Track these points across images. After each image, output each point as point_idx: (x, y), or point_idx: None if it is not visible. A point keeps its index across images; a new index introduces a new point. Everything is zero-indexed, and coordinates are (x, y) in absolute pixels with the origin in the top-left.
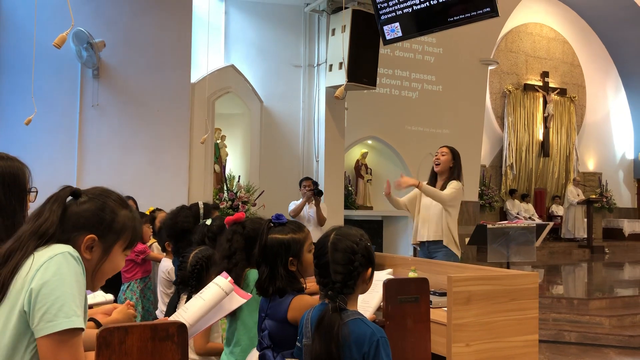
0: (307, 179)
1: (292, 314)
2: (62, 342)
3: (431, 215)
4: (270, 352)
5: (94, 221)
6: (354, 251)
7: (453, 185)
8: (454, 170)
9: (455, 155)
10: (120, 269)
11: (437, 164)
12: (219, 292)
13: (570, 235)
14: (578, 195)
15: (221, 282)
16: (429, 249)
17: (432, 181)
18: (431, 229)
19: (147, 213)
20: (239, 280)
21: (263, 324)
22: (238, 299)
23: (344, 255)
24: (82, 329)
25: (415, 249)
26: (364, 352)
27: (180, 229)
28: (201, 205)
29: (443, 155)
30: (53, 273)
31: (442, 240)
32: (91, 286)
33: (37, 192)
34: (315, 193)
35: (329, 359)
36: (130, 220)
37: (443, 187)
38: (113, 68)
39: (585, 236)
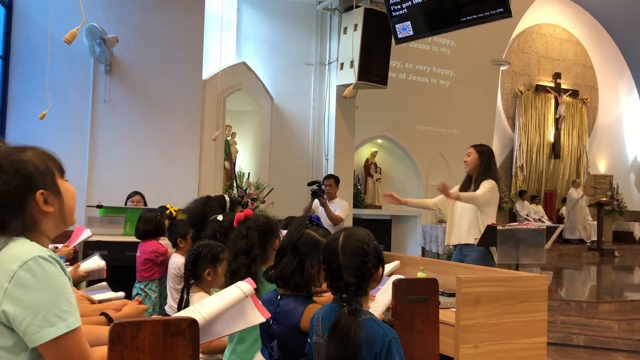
0: (327, 177)
1: (305, 324)
2: (60, 346)
3: (465, 217)
4: None
5: (25, 182)
6: (365, 252)
7: (485, 185)
8: (484, 169)
9: (482, 153)
10: (73, 192)
11: (465, 166)
12: (239, 293)
13: (573, 236)
14: (579, 195)
15: (242, 284)
16: (461, 252)
17: (467, 182)
18: (463, 231)
19: (174, 212)
20: (256, 279)
21: (270, 330)
22: (257, 315)
23: (356, 257)
24: (75, 330)
25: (423, 248)
26: (376, 352)
27: (209, 218)
28: (227, 199)
29: (468, 155)
30: (28, 284)
31: (474, 243)
32: (68, 224)
33: None
34: (312, 194)
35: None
36: (42, 153)
37: (476, 188)
38: (125, 64)
39: (584, 237)
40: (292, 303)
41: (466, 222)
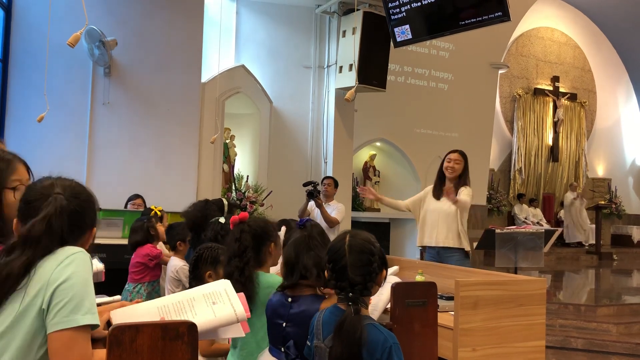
0: (326, 177)
1: None
2: (74, 338)
3: (441, 220)
4: None
5: (94, 216)
6: (372, 252)
7: (465, 192)
8: (464, 176)
9: (466, 160)
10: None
11: (451, 172)
12: (232, 316)
13: (572, 239)
14: (575, 199)
15: (238, 307)
16: (439, 254)
17: (440, 184)
18: (441, 234)
19: (158, 212)
20: (251, 281)
21: (284, 332)
22: (238, 330)
23: (363, 256)
24: (96, 326)
25: (421, 251)
26: (376, 358)
27: (208, 221)
28: (225, 202)
29: (458, 163)
30: (73, 271)
31: (455, 246)
32: None
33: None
34: (307, 194)
35: None
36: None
37: (454, 193)
38: (124, 66)
39: (583, 240)
40: (305, 304)
41: (444, 225)
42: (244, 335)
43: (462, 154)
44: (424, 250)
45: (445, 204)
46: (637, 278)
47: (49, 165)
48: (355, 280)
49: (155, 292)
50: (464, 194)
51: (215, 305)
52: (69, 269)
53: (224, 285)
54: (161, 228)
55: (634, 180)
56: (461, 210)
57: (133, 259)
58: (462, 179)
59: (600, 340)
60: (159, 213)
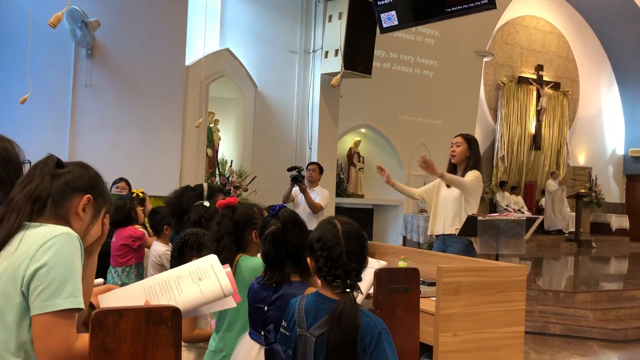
0: (311, 162)
1: None
2: (55, 322)
3: (449, 207)
4: (280, 347)
5: (90, 184)
6: (364, 238)
7: (471, 174)
8: (471, 159)
9: (471, 143)
10: (99, 236)
11: (453, 156)
12: (218, 292)
13: (553, 227)
14: (556, 187)
15: (224, 282)
16: (444, 242)
17: (452, 171)
18: (447, 221)
19: (140, 194)
20: (230, 265)
21: (265, 315)
22: (230, 302)
23: (359, 243)
24: (78, 309)
25: (404, 238)
26: (366, 343)
27: (184, 208)
28: (205, 187)
29: (458, 146)
30: (53, 254)
31: (456, 234)
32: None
33: (30, 162)
34: (291, 179)
35: (350, 349)
36: (109, 191)
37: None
38: (107, 48)
39: (563, 228)
40: (289, 289)
41: (450, 212)
42: (235, 305)
43: (465, 137)
44: (435, 239)
45: (453, 191)
46: (615, 265)
47: (29, 148)
48: (352, 266)
49: (139, 274)
50: (468, 176)
51: (201, 281)
52: (49, 252)
53: (210, 261)
54: (140, 211)
55: (613, 169)
56: (464, 192)
57: (115, 241)
58: (470, 164)
59: (577, 326)
60: (140, 195)
